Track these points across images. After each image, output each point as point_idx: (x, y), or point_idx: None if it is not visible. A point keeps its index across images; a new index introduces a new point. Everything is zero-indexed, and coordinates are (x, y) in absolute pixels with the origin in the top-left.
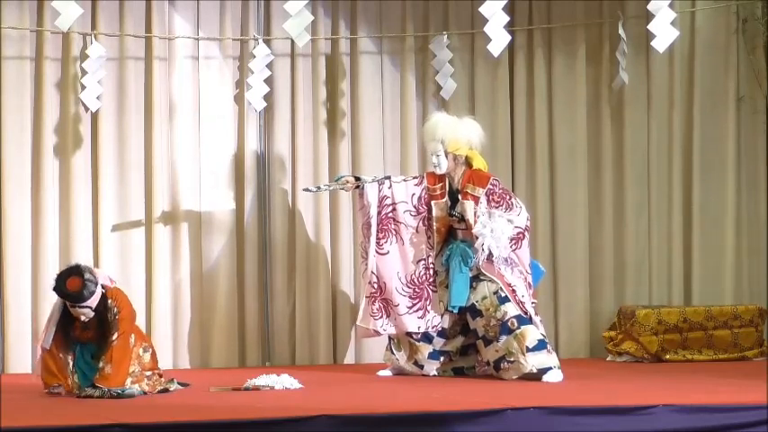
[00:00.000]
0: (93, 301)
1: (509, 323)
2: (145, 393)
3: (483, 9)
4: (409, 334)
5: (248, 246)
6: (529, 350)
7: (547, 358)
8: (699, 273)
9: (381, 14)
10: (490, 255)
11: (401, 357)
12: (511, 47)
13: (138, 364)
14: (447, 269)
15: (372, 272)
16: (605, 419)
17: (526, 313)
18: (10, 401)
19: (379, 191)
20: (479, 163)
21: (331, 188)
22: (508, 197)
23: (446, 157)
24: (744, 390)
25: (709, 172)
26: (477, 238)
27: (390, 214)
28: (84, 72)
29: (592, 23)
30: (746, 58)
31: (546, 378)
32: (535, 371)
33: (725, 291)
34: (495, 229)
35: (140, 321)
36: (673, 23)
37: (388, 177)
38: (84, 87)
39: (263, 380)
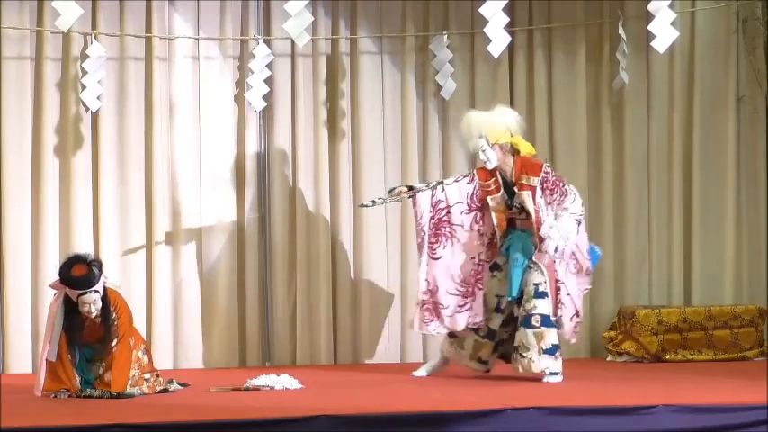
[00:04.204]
0: (101, 285)
1: (533, 319)
2: (144, 394)
3: (483, 10)
4: (476, 331)
5: (248, 246)
6: (543, 351)
7: (553, 363)
8: (699, 273)
9: (381, 14)
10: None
11: (464, 356)
12: (511, 47)
13: (137, 367)
14: (507, 259)
15: (426, 279)
16: (605, 419)
17: (555, 315)
18: (10, 401)
19: (433, 196)
20: (525, 147)
21: (388, 201)
22: (561, 184)
23: (492, 150)
24: (744, 390)
25: (709, 172)
26: (543, 239)
27: (445, 218)
28: (84, 72)
29: (592, 23)
30: (746, 58)
31: (546, 379)
32: (548, 372)
33: (725, 291)
34: (562, 229)
35: (140, 321)
36: (673, 24)
37: (441, 182)
38: (84, 87)
39: (263, 380)
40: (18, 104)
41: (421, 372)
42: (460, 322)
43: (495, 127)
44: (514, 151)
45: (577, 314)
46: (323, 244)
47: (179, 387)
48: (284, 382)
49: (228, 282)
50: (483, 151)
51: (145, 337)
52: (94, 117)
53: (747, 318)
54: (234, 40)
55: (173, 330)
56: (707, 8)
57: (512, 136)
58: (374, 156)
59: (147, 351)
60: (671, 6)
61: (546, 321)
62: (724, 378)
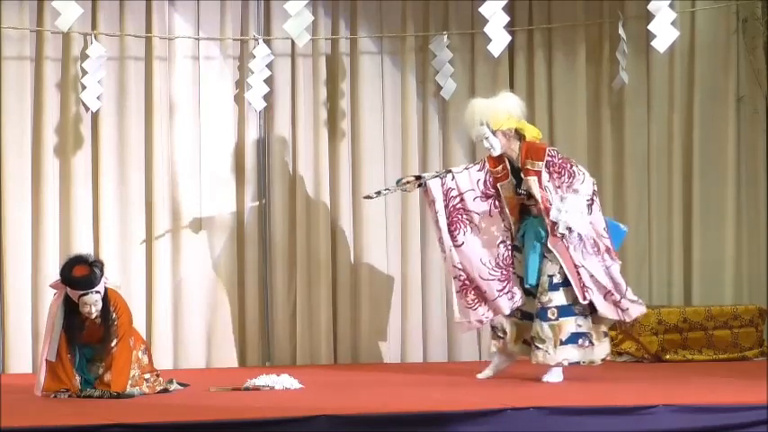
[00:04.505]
0: (102, 286)
1: (549, 312)
2: (144, 394)
3: (483, 9)
4: (514, 315)
5: (248, 245)
6: (562, 343)
7: (574, 352)
8: (699, 273)
9: (381, 14)
10: (569, 232)
11: (509, 341)
12: (511, 47)
13: (137, 367)
14: (523, 245)
15: (455, 266)
16: (605, 419)
17: (585, 300)
18: (10, 401)
19: (443, 184)
20: (531, 132)
21: (392, 191)
22: (569, 165)
23: (495, 136)
24: (744, 390)
25: (709, 172)
26: (554, 223)
27: (459, 205)
28: (84, 72)
29: (592, 23)
30: (746, 58)
31: (546, 378)
32: (566, 364)
33: (725, 291)
34: (570, 209)
35: (140, 321)
36: (673, 23)
37: (449, 171)
38: (84, 87)
39: (263, 380)
40: (18, 104)
41: (486, 373)
42: (504, 306)
43: (497, 113)
44: (520, 136)
45: (611, 293)
46: (323, 244)
47: (179, 387)
48: (284, 382)
49: (228, 281)
50: (486, 138)
51: (145, 337)
52: (94, 117)
53: (747, 318)
54: (234, 40)
55: (173, 330)
56: (707, 8)
57: (518, 120)
58: (374, 156)
59: (147, 351)
60: (671, 6)
61: (564, 311)
62: (724, 378)
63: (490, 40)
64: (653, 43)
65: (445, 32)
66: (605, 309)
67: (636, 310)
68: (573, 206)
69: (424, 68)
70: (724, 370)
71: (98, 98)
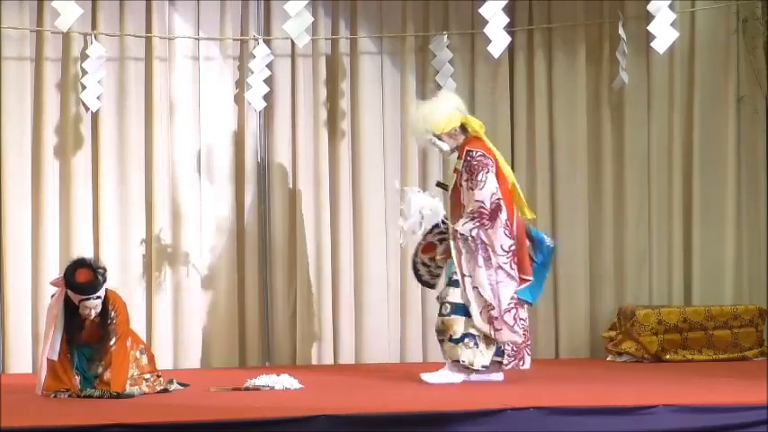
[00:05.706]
0: (103, 290)
1: (443, 307)
2: (144, 394)
3: (483, 10)
4: None
5: (248, 246)
6: (450, 339)
7: (464, 351)
8: (699, 273)
9: (381, 14)
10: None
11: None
12: (511, 47)
13: (135, 367)
14: None
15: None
16: (605, 419)
17: (468, 304)
18: (10, 401)
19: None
20: (473, 125)
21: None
22: (479, 170)
23: (442, 140)
24: (744, 390)
25: (709, 172)
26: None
27: None
28: (84, 72)
29: (592, 23)
30: (746, 58)
31: (426, 378)
32: (462, 361)
33: (725, 291)
34: (411, 202)
35: (140, 321)
36: (673, 24)
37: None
38: (84, 87)
39: (263, 380)
40: (18, 104)
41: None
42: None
43: (434, 118)
44: (465, 130)
45: (491, 306)
46: (323, 244)
47: (179, 387)
48: (284, 382)
49: (228, 281)
50: (432, 144)
51: (145, 337)
52: (94, 117)
53: (747, 318)
54: (234, 40)
55: (173, 330)
56: (707, 8)
57: (461, 116)
58: (374, 156)
59: (147, 352)
60: (671, 7)
61: (457, 310)
62: (724, 378)
63: (490, 41)
64: (653, 44)
65: (445, 32)
66: (478, 322)
67: (507, 335)
68: (412, 205)
69: (424, 68)
70: (724, 370)
71: (98, 98)
